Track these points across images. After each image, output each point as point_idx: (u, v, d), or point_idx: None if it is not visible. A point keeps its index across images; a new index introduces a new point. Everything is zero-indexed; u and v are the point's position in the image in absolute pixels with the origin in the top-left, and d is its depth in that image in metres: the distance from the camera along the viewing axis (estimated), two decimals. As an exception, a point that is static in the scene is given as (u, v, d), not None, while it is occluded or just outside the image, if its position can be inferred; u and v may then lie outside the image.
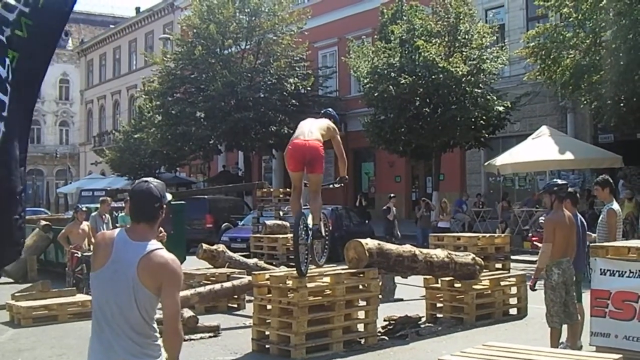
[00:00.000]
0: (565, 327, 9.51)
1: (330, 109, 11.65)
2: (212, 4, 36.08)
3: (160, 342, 4.48)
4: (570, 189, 10.21)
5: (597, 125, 28.37)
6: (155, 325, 4.48)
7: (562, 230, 9.22)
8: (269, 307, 10.68)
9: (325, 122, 10.78)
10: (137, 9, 66.25)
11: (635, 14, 20.56)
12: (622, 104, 21.85)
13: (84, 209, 16.84)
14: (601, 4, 21.71)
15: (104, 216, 16.87)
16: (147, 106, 43.57)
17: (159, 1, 58.29)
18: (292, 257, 11.33)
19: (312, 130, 10.38)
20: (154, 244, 4.39)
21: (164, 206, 4.53)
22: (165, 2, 57.06)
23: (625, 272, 9.03)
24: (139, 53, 57.39)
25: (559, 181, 9.91)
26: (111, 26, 69.87)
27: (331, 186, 12.13)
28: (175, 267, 4.37)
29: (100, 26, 76.09)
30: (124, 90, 63.33)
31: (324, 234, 10.87)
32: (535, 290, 9.63)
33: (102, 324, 4.45)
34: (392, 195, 27.03)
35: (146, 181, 4.57)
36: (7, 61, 5.00)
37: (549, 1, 23.43)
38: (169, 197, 4.67)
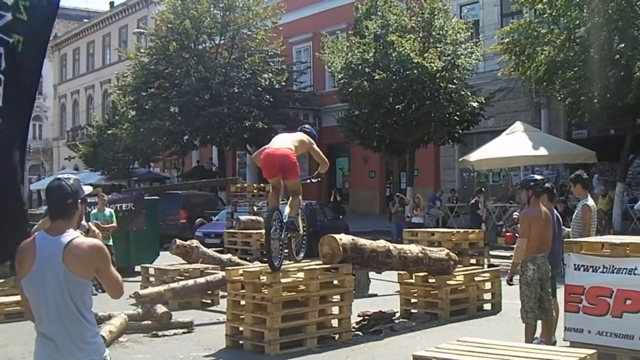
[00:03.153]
0: (539, 322, 9.54)
1: (306, 126, 11.60)
2: (186, -2, 35.90)
3: (97, 343, 4.52)
4: (547, 184, 10.25)
5: (571, 121, 28.51)
6: (91, 319, 4.52)
7: (537, 226, 9.24)
8: (242, 302, 10.62)
9: (299, 135, 10.82)
10: (111, 4, 65.70)
11: (608, 12, 20.70)
12: (595, 100, 21.97)
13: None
14: (575, 1, 21.82)
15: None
16: (121, 101, 43.36)
17: (133, -5, 57.81)
18: (265, 252, 11.29)
19: (284, 141, 10.45)
20: (71, 234, 4.47)
21: (79, 201, 4.64)
22: (140, -3, 56.64)
23: (599, 267, 9.04)
24: (112, 48, 56.94)
25: (537, 177, 9.93)
26: (85, 20, 69.17)
27: (308, 181, 12.12)
28: (99, 247, 4.52)
29: (74, 20, 75.26)
30: (97, 85, 62.85)
31: (300, 228, 10.84)
32: (512, 284, 9.64)
33: (40, 328, 4.49)
34: (481, 188, 27.01)
35: (59, 179, 4.64)
36: (1, 50, 4.92)
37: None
38: (87, 190, 4.74)
